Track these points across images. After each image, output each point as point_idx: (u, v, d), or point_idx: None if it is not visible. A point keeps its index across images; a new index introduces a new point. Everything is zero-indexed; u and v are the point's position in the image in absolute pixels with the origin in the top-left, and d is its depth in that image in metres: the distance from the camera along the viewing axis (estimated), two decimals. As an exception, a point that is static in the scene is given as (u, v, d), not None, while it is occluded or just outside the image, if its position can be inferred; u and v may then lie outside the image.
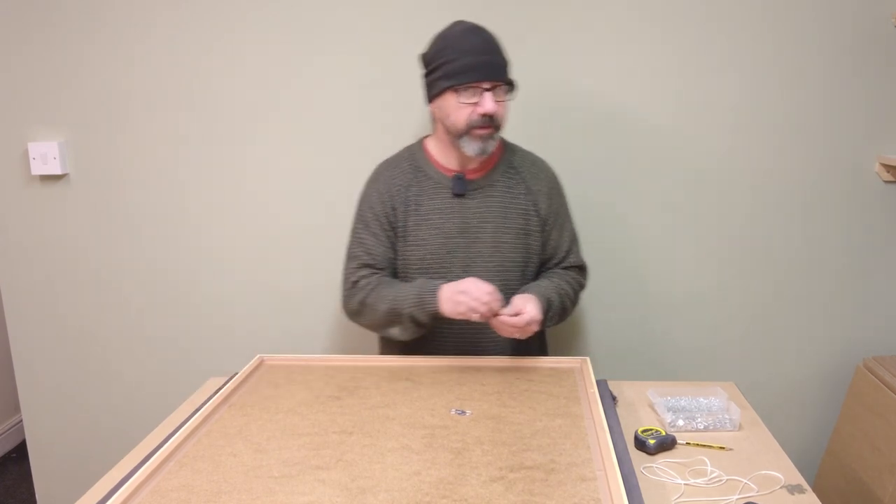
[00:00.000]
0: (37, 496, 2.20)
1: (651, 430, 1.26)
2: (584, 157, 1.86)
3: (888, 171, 1.81)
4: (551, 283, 1.55)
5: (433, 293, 1.43)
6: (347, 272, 1.58)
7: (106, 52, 1.89)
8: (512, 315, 1.40)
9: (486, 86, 1.42)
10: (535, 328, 1.42)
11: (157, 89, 1.91)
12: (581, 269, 1.65)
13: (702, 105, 1.81)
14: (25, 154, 1.96)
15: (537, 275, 1.62)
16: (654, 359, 1.98)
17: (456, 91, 1.43)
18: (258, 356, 1.54)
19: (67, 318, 2.07)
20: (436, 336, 1.56)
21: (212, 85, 1.90)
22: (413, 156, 1.59)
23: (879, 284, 1.89)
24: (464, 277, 1.50)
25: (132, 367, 2.09)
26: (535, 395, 1.34)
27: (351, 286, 1.56)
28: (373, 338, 2.02)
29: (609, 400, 1.35)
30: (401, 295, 1.47)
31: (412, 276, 1.55)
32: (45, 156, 1.94)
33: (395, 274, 1.59)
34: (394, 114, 1.88)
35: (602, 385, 1.41)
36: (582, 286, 1.64)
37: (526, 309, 1.40)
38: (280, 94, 1.89)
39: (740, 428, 1.33)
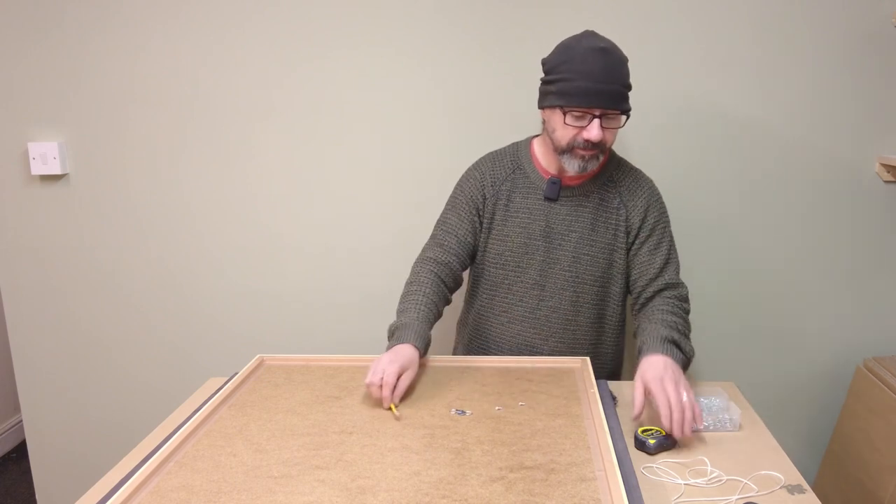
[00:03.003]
0: (37, 496, 2.20)
1: (651, 430, 1.26)
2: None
3: (888, 171, 1.80)
4: (660, 323, 1.42)
5: (397, 340, 1.38)
6: (425, 246, 1.61)
7: (106, 52, 1.90)
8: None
9: (597, 112, 1.37)
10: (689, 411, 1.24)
11: (157, 89, 1.91)
12: (674, 287, 1.51)
13: (700, 105, 1.81)
14: (25, 154, 1.96)
15: (625, 296, 1.58)
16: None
17: (564, 111, 1.40)
18: (258, 356, 1.54)
19: (67, 317, 2.07)
20: (495, 336, 1.60)
21: (212, 85, 1.90)
22: (517, 153, 1.58)
23: (879, 284, 1.89)
24: (539, 281, 1.53)
25: (132, 367, 2.09)
26: (534, 395, 1.34)
27: (415, 262, 1.58)
28: (371, 338, 2.03)
29: (609, 400, 1.35)
30: (399, 315, 1.46)
31: (491, 269, 1.57)
32: (45, 156, 1.94)
33: (471, 261, 1.61)
34: (397, 114, 1.88)
35: (602, 385, 1.41)
36: (684, 310, 1.50)
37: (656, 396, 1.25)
38: (281, 94, 1.89)
39: (740, 428, 1.33)
